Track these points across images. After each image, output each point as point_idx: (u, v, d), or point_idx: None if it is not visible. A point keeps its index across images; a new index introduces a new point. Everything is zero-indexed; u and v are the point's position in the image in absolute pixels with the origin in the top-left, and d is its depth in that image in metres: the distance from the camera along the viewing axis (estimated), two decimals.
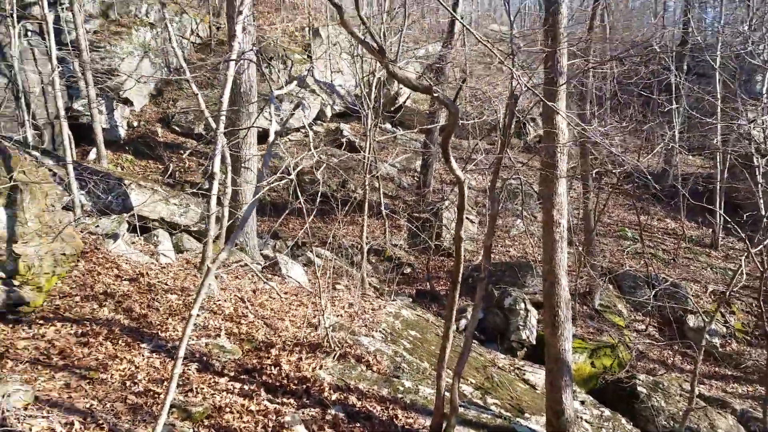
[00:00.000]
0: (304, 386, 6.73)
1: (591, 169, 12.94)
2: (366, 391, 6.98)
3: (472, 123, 13.06)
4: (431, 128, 15.94)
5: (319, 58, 22.56)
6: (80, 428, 4.53)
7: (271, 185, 5.70)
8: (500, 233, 15.72)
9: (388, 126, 20.55)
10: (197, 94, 11.57)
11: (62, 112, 9.85)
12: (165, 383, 5.90)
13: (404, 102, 21.71)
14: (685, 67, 20.43)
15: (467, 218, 16.73)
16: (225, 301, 8.58)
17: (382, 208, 14.18)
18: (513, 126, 6.25)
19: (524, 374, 9.59)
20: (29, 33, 13.94)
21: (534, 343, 11.43)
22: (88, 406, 4.97)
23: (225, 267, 10.00)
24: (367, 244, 10.66)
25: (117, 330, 6.72)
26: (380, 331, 8.62)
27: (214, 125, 9.30)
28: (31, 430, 4.27)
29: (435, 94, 5.33)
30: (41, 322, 6.44)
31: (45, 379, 5.24)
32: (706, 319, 8.39)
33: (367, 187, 10.71)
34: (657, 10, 31.28)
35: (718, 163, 16.66)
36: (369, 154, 10.78)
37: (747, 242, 7.72)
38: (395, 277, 11.40)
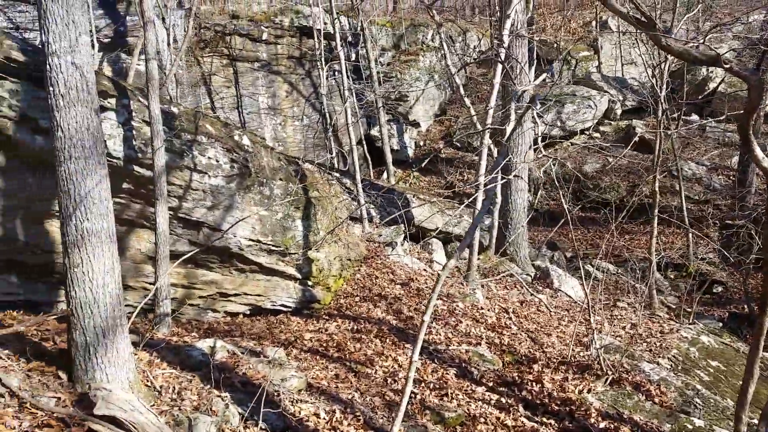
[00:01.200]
0: (568, 408, 6.14)
1: None
2: (643, 424, 5.97)
3: None
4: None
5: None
6: (340, 417, 4.98)
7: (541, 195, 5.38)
8: None
9: (695, 117, 17.60)
10: (469, 107, 11.93)
11: (353, 140, 11.33)
12: (422, 384, 6.12)
13: (716, 87, 18.27)
14: None
15: None
16: (489, 310, 8.50)
17: (684, 214, 12.17)
18: None
19: None
20: (335, 72, 16.57)
21: None
22: (350, 397, 5.46)
23: (491, 276, 9.99)
24: (659, 256, 9.22)
25: (386, 329, 7.28)
26: (668, 358, 7.32)
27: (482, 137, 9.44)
28: (300, 413, 4.89)
29: (726, 65, 4.25)
30: (326, 317, 7.44)
31: (319, 368, 5.98)
32: None
33: (656, 189, 9.30)
34: None
35: None
36: (660, 150, 9.35)
37: None
38: (697, 297, 9.57)
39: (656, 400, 6.36)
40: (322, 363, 6.11)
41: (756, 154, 4.13)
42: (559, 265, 11.64)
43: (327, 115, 14.26)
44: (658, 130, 9.27)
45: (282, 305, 7.55)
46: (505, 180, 8.37)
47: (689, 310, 9.01)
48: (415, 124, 19.82)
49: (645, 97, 14.13)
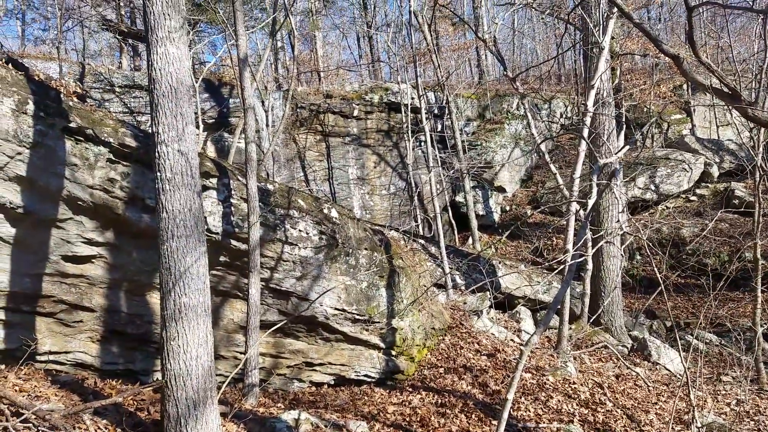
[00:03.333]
0: None
1: None
2: None
3: None
4: None
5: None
6: None
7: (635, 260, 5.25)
8: None
9: None
10: (555, 173, 11.85)
11: (437, 207, 11.53)
12: None
13: None
14: None
15: None
16: (581, 384, 8.05)
17: None
18: None
19: None
20: (421, 143, 17.16)
21: None
22: None
23: (584, 348, 9.49)
24: (766, 326, 8.41)
25: (471, 404, 7.10)
26: None
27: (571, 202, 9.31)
28: None
29: None
30: (410, 389, 7.39)
31: None
32: None
33: (758, 256, 8.61)
34: None
35: None
36: (759, 214, 8.71)
37: None
38: None
39: None
40: None
41: None
42: (658, 336, 10.86)
43: (413, 183, 14.72)
44: (757, 193, 8.69)
45: (365, 375, 7.62)
46: (596, 248, 8.15)
47: None
48: (501, 190, 19.79)
49: (742, 159, 13.30)
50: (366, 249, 7.71)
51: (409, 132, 14.74)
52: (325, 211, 7.58)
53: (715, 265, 12.67)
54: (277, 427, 5.80)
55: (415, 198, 15.46)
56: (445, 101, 16.60)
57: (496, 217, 19.01)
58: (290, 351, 7.33)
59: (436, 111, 18.28)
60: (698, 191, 17.83)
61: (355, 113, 16.77)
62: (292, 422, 5.87)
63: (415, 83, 14.29)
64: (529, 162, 20.74)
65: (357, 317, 7.31)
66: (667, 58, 6.13)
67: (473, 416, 6.83)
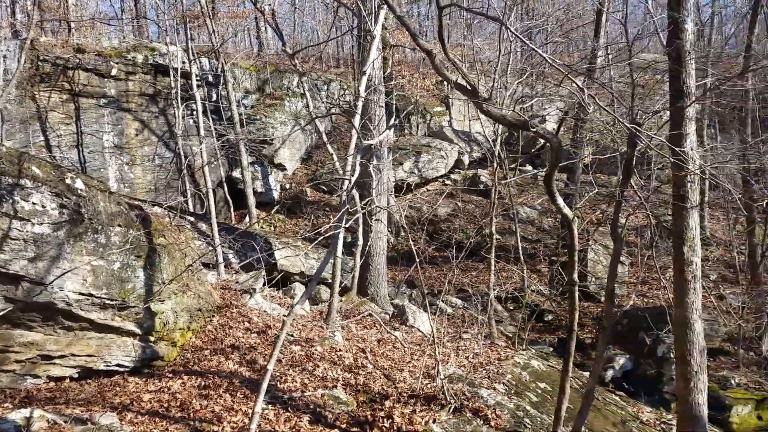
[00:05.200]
0: None
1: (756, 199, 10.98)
2: None
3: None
4: (571, 166, 14.85)
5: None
6: None
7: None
8: (654, 275, 13.83)
9: (529, 167, 19.63)
10: (332, 153, 12.20)
11: (209, 181, 10.96)
12: None
13: (545, 143, 20.64)
14: None
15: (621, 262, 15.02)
16: (347, 351, 8.53)
17: (520, 252, 13.40)
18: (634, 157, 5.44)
19: (671, 429, 8.24)
20: (193, 112, 16.09)
21: None
22: None
23: (352, 317, 10.08)
24: (496, 290, 10.00)
25: (237, 382, 6.97)
26: (504, 383, 7.88)
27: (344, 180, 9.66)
28: None
29: (533, 129, 4.84)
30: (170, 375, 6.94)
31: (159, 431, 5.53)
32: None
33: (494, 231, 10.15)
34: None
35: None
36: (495, 196, 10.27)
37: None
38: (528, 325, 10.53)
39: (492, 423, 6.80)
40: (162, 425, 5.66)
41: (558, 203, 4.73)
42: (415, 303, 12.10)
43: (182, 154, 13.75)
44: (494, 178, 10.25)
45: (118, 365, 6.91)
46: (361, 224, 8.59)
47: (524, 337, 9.88)
48: (281, 167, 19.75)
49: (486, 150, 15.56)
50: (120, 226, 6.92)
51: (179, 98, 13.66)
52: (68, 181, 6.58)
53: (462, 240, 14.61)
54: (4, 428, 4.93)
55: (185, 170, 14.46)
56: (220, 69, 15.79)
57: (276, 194, 18.94)
58: (21, 344, 6.25)
59: (210, 78, 17.27)
60: (453, 176, 20.35)
61: (114, 72, 14.89)
62: (22, 421, 5.05)
63: (186, 46, 13.28)
64: (309, 141, 21.06)
65: (107, 302, 6.54)
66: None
67: (238, 394, 6.72)
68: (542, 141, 20.35)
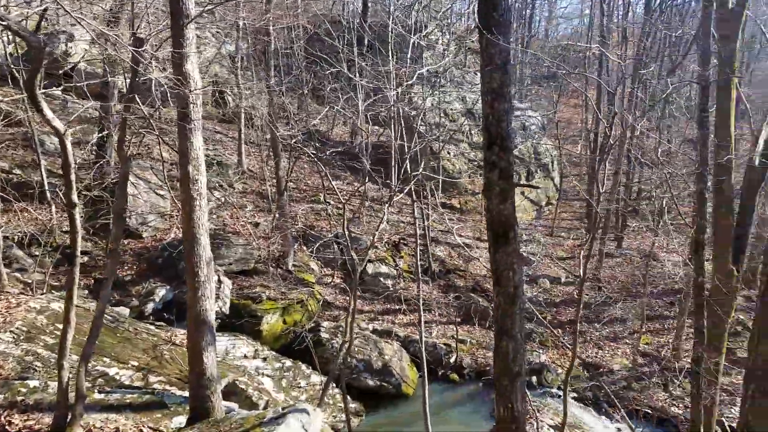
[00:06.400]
0: None
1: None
2: None
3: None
4: (107, 95, 14.00)
5: None
6: None
7: None
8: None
9: (57, 92, 17.35)
10: None
11: None
12: None
13: (77, 64, 18.46)
14: (366, 42, 22.17)
15: (158, 194, 15.34)
16: None
17: (46, 189, 11.99)
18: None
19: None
20: None
21: (228, 312, 11.75)
22: None
23: None
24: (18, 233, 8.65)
25: None
26: (11, 331, 7.09)
27: None
28: None
29: (23, 33, 4.20)
30: None
31: None
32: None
33: None
34: None
35: (392, 131, 18.55)
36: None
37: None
38: (48, 269, 9.74)
39: None
40: None
41: (46, 114, 4.35)
42: None
43: None
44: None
45: None
46: None
47: (42, 281, 9.09)
48: None
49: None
50: None
51: None
52: None
53: None
54: None
55: None
56: None
57: None
58: None
59: None
60: None
61: None
62: None
63: None
64: None
65: None
66: None
67: None
68: (71, 62, 18.26)
